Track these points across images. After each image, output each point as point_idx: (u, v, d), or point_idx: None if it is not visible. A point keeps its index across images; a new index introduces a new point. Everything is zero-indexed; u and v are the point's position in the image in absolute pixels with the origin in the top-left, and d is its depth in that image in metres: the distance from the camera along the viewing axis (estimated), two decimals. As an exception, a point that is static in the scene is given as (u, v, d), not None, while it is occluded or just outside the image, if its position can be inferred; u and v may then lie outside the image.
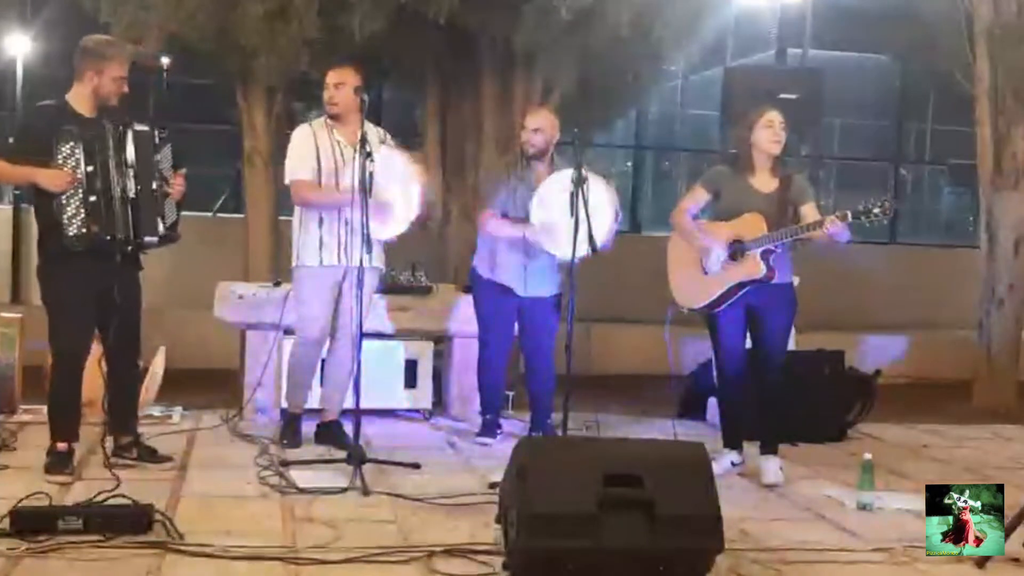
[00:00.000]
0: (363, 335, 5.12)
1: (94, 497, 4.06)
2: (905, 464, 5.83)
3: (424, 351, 6.57)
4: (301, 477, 4.85)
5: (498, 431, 5.97)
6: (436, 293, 6.57)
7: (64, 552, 3.70)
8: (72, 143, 4.54)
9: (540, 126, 5.77)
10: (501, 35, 7.25)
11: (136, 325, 4.90)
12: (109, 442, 4.87)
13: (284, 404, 5.87)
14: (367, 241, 5.06)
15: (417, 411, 6.56)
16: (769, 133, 5.18)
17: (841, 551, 4.21)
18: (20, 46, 9.05)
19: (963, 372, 8.39)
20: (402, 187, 5.29)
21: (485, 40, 7.46)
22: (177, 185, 4.84)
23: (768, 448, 5.31)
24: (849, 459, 5.74)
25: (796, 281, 5.43)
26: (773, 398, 5.29)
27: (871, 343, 8.97)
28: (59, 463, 4.68)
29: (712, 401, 6.49)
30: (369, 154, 5.01)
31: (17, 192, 8.75)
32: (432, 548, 3.92)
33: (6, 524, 3.82)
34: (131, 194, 4.67)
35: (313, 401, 5.78)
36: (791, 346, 5.67)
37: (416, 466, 5.17)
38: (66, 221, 4.54)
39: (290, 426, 5.64)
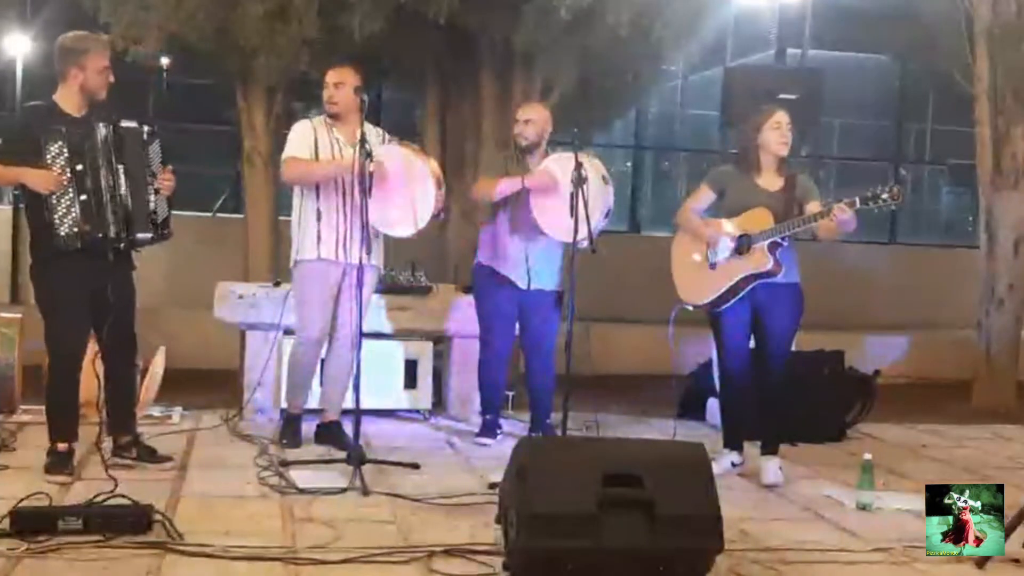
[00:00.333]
0: (363, 335, 5.12)
1: (94, 497, 4.06)
2: (905, 464, 5.83)
3: (424, 351, 6.56)
4: (301, 477, 4.85)
5: (498, 431, 5.97)
6: (436, 293, 6.57)
7: (64, 552, 3.70)
8: (60, 143, 4.54)
9: (531, 117, 5.78)
10: (501, 35, 7.25)
11: (131, 324, 4.89)
12: (107, 442, 4.87)
13: (284, 404, 5.87)
14: (366, 241, 5.06)
15: (417, 411, 6.56)
16: (777, 135, 5.19)
17: (841, 551, 4.21)
18: (20, 46, 9.05)
19: (963, 372, 8.39)
20: (420, 185, 5.27)
21: (485, 40, 7.46)
22: (166, 181, 4.83)
23: (769, 448, 5.31)
24: (849, 459, 5.74)
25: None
26: (774, 398, 5.29)
27: (871, 343, 8.97)
28: (59, 463, 4.68)
29: (712, 401, 6.49)
30: (369, 153, 5.01)
31: (16, 192, 8.74)
32: (432, 548, 3.92)
33: (6, 524, 3.82)
34: (122, 191, 4.67)
35: (313, 401, 5.78)
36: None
37: (416, 466, 5.17)
38: (57, 221, 4.54)
39: (290, 426, 5.64)
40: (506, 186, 5.68)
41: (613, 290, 8.57)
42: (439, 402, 6.68)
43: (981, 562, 3.95)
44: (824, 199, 5.26)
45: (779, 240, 5.10)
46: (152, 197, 4.78)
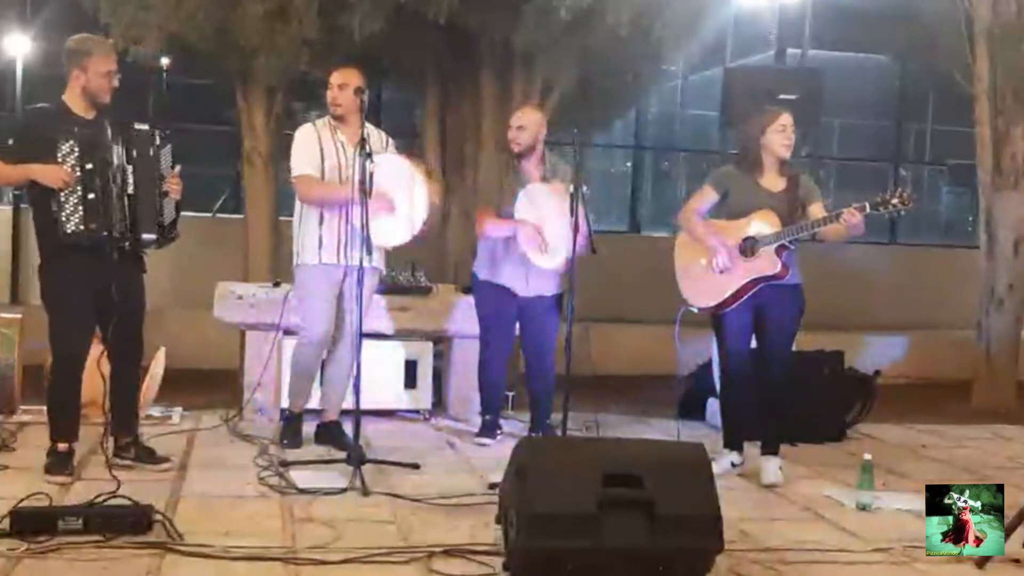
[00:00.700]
0: (363, 335, 5.12)
1: (95, 498, 4.06)
2: (905, 464, 5.83)
3: (424, 351, 6.56)
4: (301, 477, 4.85)
5: (498, 431, 5.97)
6: (436, 293, 6.57)
7: (64, 552, 3.70)
8: (72, 142, 4.56)
9: (523, 123, 5.78)
10: (501, 35, 7.24)
11: (138, 325, 4.89)
12: (110, 443, 4.86)
13: (284, 404, 5.87)
14: (367, 242, 5.06)
15: (417, 411, 6.56)
16: (782, 137, 5.18)
17: (840, 551, 4.21)
18: (20, 46, 9.05)
19: (963, 372, 8.40)
20: (408, 195, 5.28)
21: (485, 40, 7.45)
22: (175, 185, 4.85)
23: (769, 448, 5.31)
24: (849, 459, 5.74)
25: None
26: (774, 398, 5.29)
27: (871, 343, 8.97)
28: (59, 463, 4.69)
29: (712, 401, 6.49)
30: (369, 154, 5.00)
31: (17, 192, 8.75)
32: (432, 548, 3.92)
33: (6, 524, 3.83)
34: (129, 192, 4.68)
35: (313, 401, 5.78)
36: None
37: (415, 466, 5.17)
38: (64, 218, 4.55)
39: (291, 426, 5.64)
40: (494, 230, 5.72)
41: (613, 290, 8.57)
42: (439, 402, 6.68)
43: (981, 562, 3.96)
44: (825, 199, 5.26)
45: (787, 243, 5.10)
46: (160, 200, 4.79)
